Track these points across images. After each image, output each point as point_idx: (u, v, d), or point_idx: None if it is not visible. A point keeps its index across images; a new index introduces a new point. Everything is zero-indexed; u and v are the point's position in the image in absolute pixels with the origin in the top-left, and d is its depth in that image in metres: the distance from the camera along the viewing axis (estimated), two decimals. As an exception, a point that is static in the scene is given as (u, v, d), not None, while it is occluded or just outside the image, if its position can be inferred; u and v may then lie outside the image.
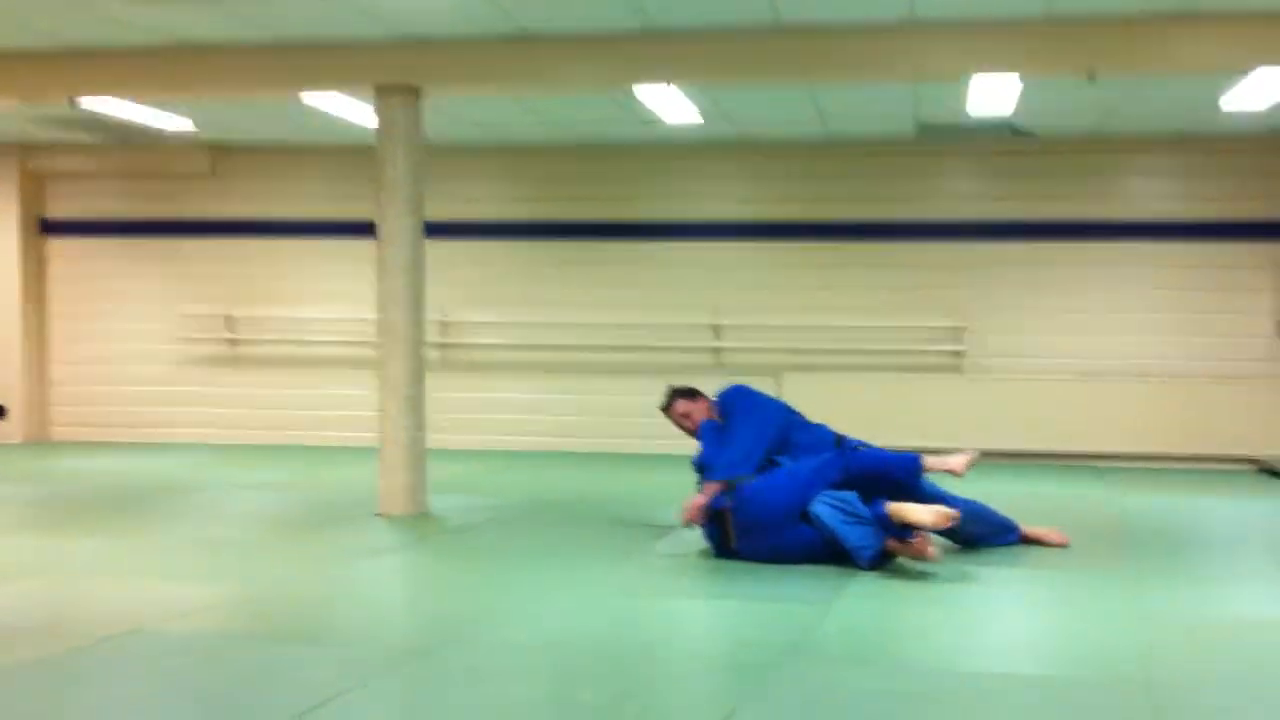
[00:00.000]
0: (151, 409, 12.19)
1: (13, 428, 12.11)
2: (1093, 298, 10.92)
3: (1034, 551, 6.64)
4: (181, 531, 7.35)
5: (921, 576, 5.87)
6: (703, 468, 6.57)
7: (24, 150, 11.99)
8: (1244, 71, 8.08)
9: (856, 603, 5.40)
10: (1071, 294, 10.94)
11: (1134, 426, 10.66)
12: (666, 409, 7.04)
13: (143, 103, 9.63)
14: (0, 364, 12.12)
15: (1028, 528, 6.80)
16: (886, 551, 5.96)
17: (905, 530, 5.90)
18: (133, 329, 12.26)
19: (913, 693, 4.10)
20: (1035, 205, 10.97)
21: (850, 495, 6.06)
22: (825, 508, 6.03)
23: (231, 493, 9.06)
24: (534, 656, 4.63)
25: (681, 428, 6.97)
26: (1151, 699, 3.97)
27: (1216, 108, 9.35)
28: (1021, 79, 8.20)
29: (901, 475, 6.28)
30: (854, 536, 5.95)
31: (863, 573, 5.91)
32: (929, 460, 6.33)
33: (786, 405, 6.95)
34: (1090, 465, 10.59)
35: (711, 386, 7.23)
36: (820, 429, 6.75)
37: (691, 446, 6.85)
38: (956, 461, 6.34)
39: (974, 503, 6.59)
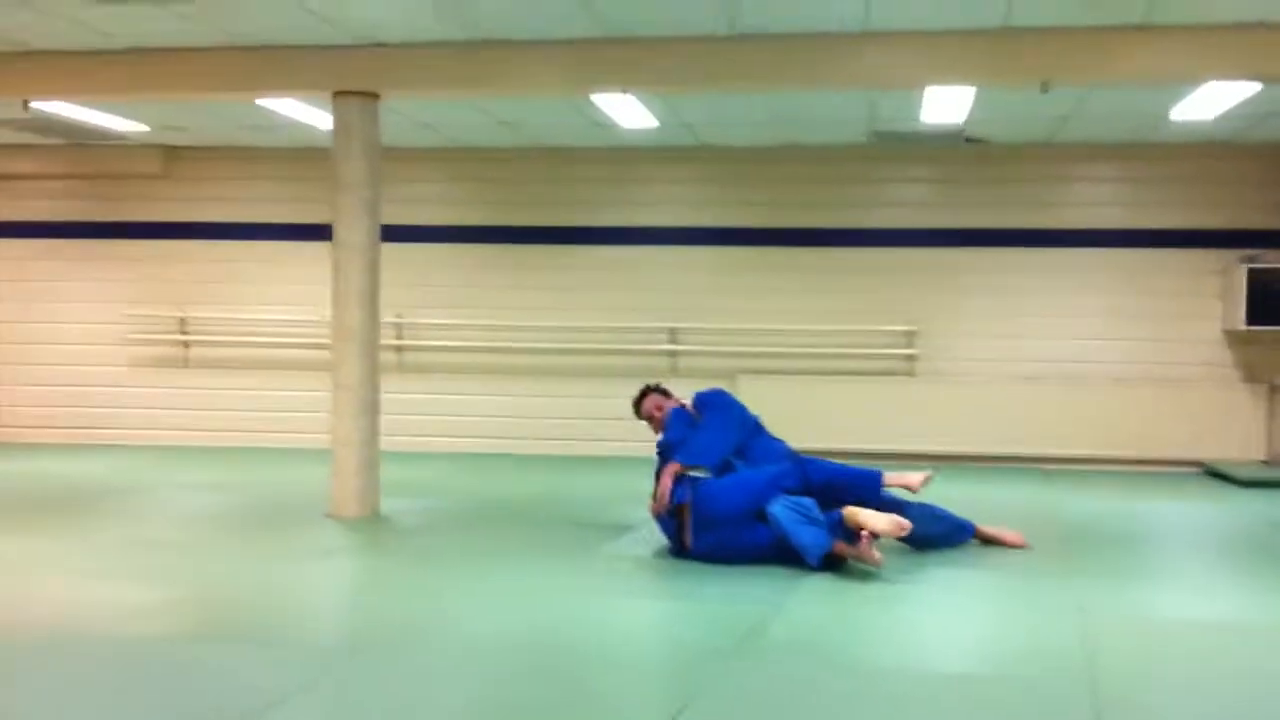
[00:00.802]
0: (102, 410, 12.05)
1: (-40, 430, 11.95)
2: (1044, 303, 11.02)
3: (982, 553, 6.69)
4: (128, 533, 7.27)
5: (870, 578, 5.90)
6: (667, 449, 6.65)
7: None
8: (1194, 83, 8.18)
9: (806, 603, 5.42)
10: (1023, 299, 11.04)
11: (1083, 430, 10.77)
12: (639, 403, 7.19)
13: (98, 106, 9.53)
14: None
15: (985, 528, 6.87)
16: (835, 555, 6.00)
17: (856, 535, 5.95)
18: (83, 330, 12.12)
19: (860, 692, 4.12)
20: (987, 213, 11.05)
21: (809, 501, 6.16)
22: (781, 508, 6.11)
23: (181, 494, 8.96)
24: (482, 657, 4.61)
25: (652, 422, 7.09)
26: (1094, 698, 4.00)
27: (1166, 118, 9.47)
28: (975, 89, 8.27)
29: (862, 490, 6.38)
30: (805, 536, 6.01)
31: (812, 574, 5.93)
32: (888, 476, 6.48)
33: (756, 416, 7.01)
34: (1039, 468, 10.68)
35: (668, 389, 7.31)
36: (779, 443, 6.86)
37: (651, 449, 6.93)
38: (914, 479, 6.49)
39: (930, 506, 6.68)
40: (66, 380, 12.12)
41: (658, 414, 7.05)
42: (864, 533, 5.91)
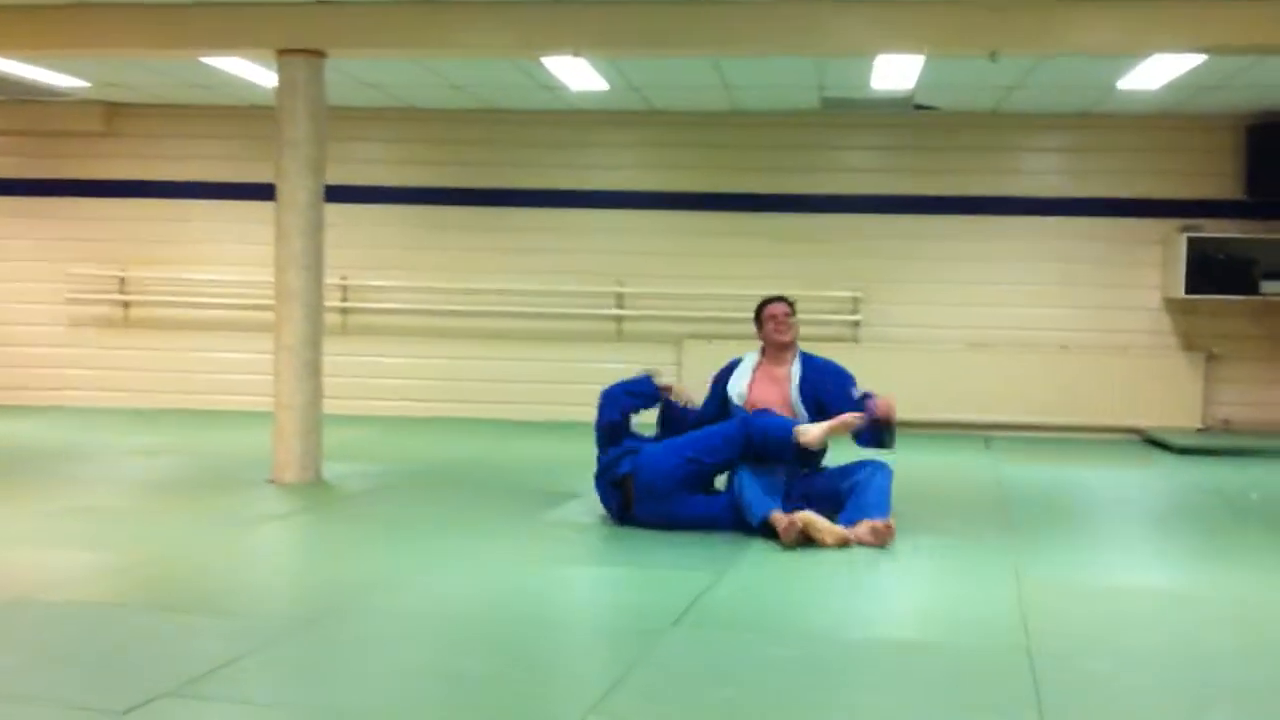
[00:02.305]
0: (42, 372, 11.86)
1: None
2: (987, 270, 11.11)
3: (922, 519, 6.65)
4: (68, 498, 7.16)
5: (811, 547, 5.91)
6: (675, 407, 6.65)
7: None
8: (1141, 55, 8.25)
9: (747, 571, 5.45)
10: (967, 266, 11.11)
11: (1024, 397, 10.89)
12: (770, 304, 6.82)
13: (37, 62, 9.32)
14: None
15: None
16: (770, 523, 5.99)
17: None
18: (22, 290, 11.92)
19: (801, 658, 4.15)
20: (934, 180, 11.10)
21: (780, 482, 6.18)
22: (747, 472, 6.12)
23: (121, 458, 8.86)
24: (424, 625, 4.60)
25: (770, 322, 6.72)
26: (1031, 664, 4.06)
27: (1112, 88, 9.54)
28: (925, 57, 8.28)
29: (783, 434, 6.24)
30: (756, 500, 6.03)
31: (754, 542, 5.94)
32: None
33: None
34: (981, 435, 10.79)
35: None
36: None
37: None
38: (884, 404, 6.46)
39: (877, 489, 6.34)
40: (4, 340, 11.92)
41: (786, 329, 6.67)
42: (795, 518, 5.89)
